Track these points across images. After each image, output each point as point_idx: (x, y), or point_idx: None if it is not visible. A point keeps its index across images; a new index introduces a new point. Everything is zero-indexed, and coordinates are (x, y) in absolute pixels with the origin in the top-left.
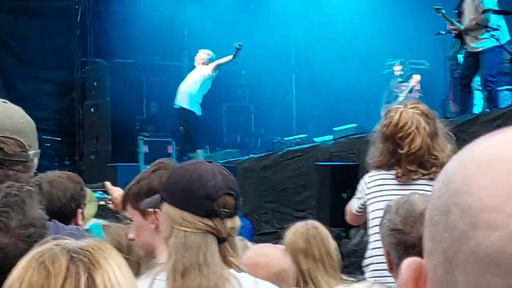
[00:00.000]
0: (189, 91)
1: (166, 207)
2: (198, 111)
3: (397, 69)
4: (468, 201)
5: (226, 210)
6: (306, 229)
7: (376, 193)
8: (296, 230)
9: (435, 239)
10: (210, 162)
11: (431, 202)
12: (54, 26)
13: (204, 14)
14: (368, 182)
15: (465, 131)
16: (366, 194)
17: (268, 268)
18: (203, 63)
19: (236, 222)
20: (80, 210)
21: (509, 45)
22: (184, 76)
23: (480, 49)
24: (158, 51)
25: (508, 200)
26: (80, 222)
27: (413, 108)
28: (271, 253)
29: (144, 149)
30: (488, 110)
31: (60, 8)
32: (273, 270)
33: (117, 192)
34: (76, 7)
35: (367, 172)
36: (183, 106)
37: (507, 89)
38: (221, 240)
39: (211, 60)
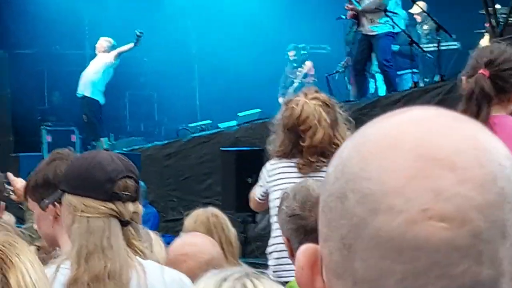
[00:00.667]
0: (91, 79)
1: (66, 197)
2: (101, 99)
3: (291, 54)
4: (368, 186)
5: (127, 193)
6: (206, 217)
7: (278, 181)
8: (197, 218)
9: (331, 225)
10: (108, 150)
11: (326, 187)
12: None
13: (105, 1)
14: (270, 170)
15: (367, 114)
16: (268, 182)
17: (197, 257)
18: (104, 51)
19: (138, 207)
20: (3, 203)
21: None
22: (86, 64)
23: (375, 33)
24: (59, 40)
25: (408, 183)
26: (1, 214)
27: (314, 99)
28: (199, 242)
29: (48, 138)
30: (388, 94)
31: None
32: (202, 259)
33: (19, 183)
34: None
35: (269, 159)
36: (86, 94)
37: (408, 72)
38: (124, 224)
39: (112, 48)
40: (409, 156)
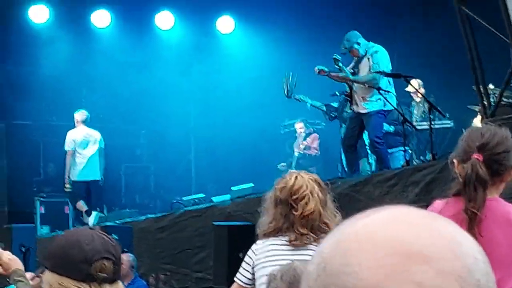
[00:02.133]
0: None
1: (46, 274)
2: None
3: (299, 126)
4: (349, 280)
5: (104, 274)
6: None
7: (267, 258)
8: None
9: None
10: (91, 228)
11: (307, 283)
12: None
13: (101, 74)
14: (256, 249)
15: (359, 191)
16: (255, 261)
17: None
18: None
19: (118, 286)
20: None
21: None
22: None
23: (367, 111)
24: (55, 112)
25: (387, 278)
26: None
27: (306, 174)
28: None
29: (41, 209)
30: (381, 171)
31: None
32: None
33: (5, 255)
34: None
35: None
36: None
37: (400, 150)
38: None
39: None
40: (386, 253)
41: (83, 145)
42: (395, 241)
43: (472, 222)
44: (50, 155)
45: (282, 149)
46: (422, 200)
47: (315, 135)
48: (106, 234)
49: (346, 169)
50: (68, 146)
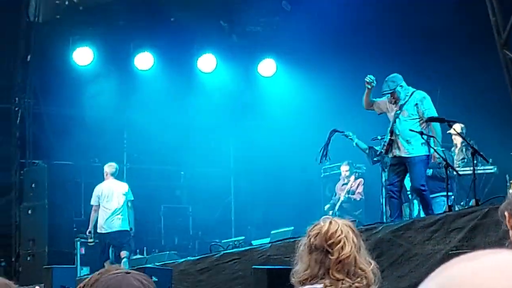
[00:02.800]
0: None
1: None
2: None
3: (344, 169)
4: None
5: None
6: None
7: None
8: None
9: None
10: (128, 272)
11: None
12: None
13: (143, 116)
14: None
15: (401, 236)
16: None
17: None
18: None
19: None
20: None
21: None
22: (124, 177)
23: (411, 155)
24: (97, 153)
25: None
26: None
27: (340, 220)
28: None
29: (81, 250)
30: (423, 217)
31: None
32: None
33: None
34: (16, 109)
35: None
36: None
37: (441, 195)
38: None
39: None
40: None
41: (109, 198)
42: None
43: None
44: (91, 196)
45: (322, 193)
46: (465, 247)
47: (360, 180)
48: (141, 279)
49: (388, 213)
50: (93, 201)
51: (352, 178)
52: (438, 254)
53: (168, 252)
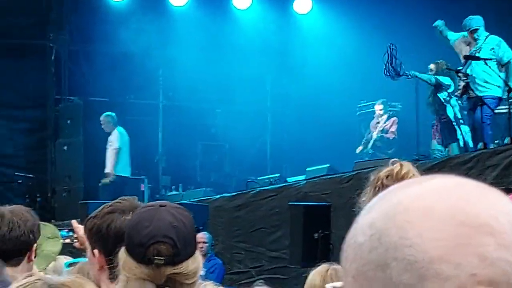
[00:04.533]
0: None
1: (122, 249)
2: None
3: (378, 108)
4: (411, 253)
5: (160, 258)
6: (326, 269)
7: None
8: (316, 270)
9: None
10: (163, 205)
11: (359, 256)
12: (29, 64)
13: (179, 53)
14: None
15: (436, 173)
16: None
17: None
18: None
19: (184, 267)
20: (35, 245)
21: None
22: (160, 114)
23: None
24: (133, 90)
25: (453, 250)
26: (33, 257)
27: (407, 163)
28: None
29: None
30: (458, 154)
31: (35, 46)
32: None
33: (82, 230)
34: (51, 45)
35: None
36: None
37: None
38: (160, 287)
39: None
40: (449, 224)
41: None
42: (458, 211)
43: None
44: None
45: (357, 130)
46: (500, 183)
47: (394, 119)
48: (175, 212)
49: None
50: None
51: (385, 117)
52: None
53: (204, 189)
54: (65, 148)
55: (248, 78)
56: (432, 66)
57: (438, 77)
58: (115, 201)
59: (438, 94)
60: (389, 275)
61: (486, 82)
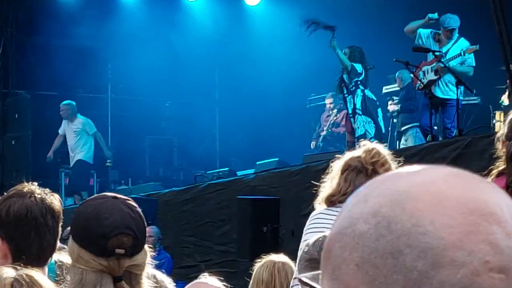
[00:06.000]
0: None
1: (70, 242)
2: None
3: (329, 101)
4: (426, 240)
5: (121, 250)
6: (273, 262)
7: (311, 225)
8: (262, 264)
9: (376, 282)
10: (115, 197)
11: (361, 244)
12: None
13: (128, 47)
14: (311, 218)
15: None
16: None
17: None
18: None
19: (139, 259)
20: None
21: None
22: (109, 108)
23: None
24: (81, 84)
25: (466, 237)
26: None
27: (377, 144)
28: (209, 282)
29: (66, 181)
30: (406, 146)
31: None
32: None
33: None
34: None
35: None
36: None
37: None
38: (117, 279)
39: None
40: (461, 212)
41: None
42: (469, 200)
43: None
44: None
45: (307, 124)
46: None
47: (344, 111)
48: (129, 204)
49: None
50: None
51: (335, 111)
52: None
53: (153, 183)
54: (13, 142)
55: (196, 71)
56: (346, 50)
57: (354, 64)
58: (16, 186)
59: (346, 80)
60: (402, 262)
61: (451, 83)
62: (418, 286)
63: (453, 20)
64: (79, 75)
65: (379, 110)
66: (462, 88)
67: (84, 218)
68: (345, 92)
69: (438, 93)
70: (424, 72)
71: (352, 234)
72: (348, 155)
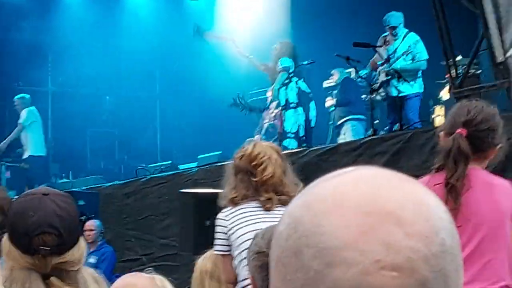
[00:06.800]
0: None
1: (4, 238)
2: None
3: (269, 94)
4: (322, 241)
5: (45, 248)
6: (215, 255)
7: (240, 220)
8: (205, 256)
9: (285, 279)
10: (46, 194)
11: (278, 244)
12: None
13: (68, 39)
14: (226, 216)
15: (326, 160)
16: (228, 226)
17: None
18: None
19: (67, 257)
20: None
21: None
22: (48, 101)
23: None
24: (21, 76)
25: (360, 237)
26: None
27: (265, 143)
28: (138, 283)
29: (6, 174)
30: (348, 140)
31: None
32: None
33: None
34: None
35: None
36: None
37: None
38: (46, 276)
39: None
40: (358, 212)
41: None
42: (367, 201)
43: (452, 194)
44: (16, 119)
45: (250, 117)
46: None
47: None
48: (58, 201)
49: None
50: None
51: (274, 103)
52: None
53: (94, 176)
54: None
55: (137, 64)
56: (276, 46)
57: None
58: None
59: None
60: (302, 261)
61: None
62: (316, 284)
63: (393, 18)
64: (19, 67)
65: (312, 103)
66: (418, 81)
67: (12, 215)
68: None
69: (394, 92)
70: (379, 72)
71: (275, 234)
72: (237, 154)
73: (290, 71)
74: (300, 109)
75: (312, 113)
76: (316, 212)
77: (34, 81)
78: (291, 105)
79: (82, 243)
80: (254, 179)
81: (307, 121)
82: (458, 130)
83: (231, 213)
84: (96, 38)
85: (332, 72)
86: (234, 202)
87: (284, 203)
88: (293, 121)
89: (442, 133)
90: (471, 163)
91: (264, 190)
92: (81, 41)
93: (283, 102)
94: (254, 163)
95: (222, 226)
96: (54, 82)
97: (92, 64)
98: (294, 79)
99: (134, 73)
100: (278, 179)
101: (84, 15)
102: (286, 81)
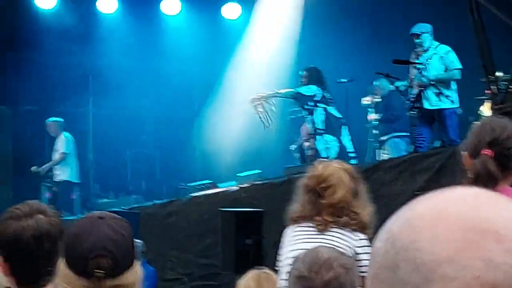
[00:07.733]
0: None
1: (60, 258)
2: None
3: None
4: (420, 256)
5: (100, 272)
6: (258, 274)
7: (292, 240)
8: (249, 275)
9: None
10: (101, 217)
11: (375, 261)
12: None
13: (108, 61)
14: (285, 234)
15: (369, 178)
16: (283, 244)
17: None
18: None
19: (121, 279)
20: None
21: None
22: (89, 122)
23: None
24: (62, 98)
25: (459, 252)
26: None
27: (337, 164)
28: None
29: (47, 195)
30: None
31: None
32: None
33: None
34: None
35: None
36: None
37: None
38: None
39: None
40: (457, 228)
41: None
42: (467, 217)
43: None
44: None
45: (289, 135)
46: (432, 187)
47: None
48: (113, 224)
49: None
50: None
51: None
52: (404, 194)
53: (135, 196)
54: None
55: (176, 84)
56: (304, 72)
57: (298, 89)
58: (14, 206)
59: (305, 106)
60: (399, 276)
61: (440, 94)
62: None
63: (417, 27)
64: (59, 89)
65: (344, 128)
66: (454, 96)
67: (67, 238)
68: (304, 113)
69: (426, 105)
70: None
71: (372, 251)
72: (309, 173)
73: (316, 98)
74: (328, 137)
75: (345, 139)
76: (415, 227)
77: (75, 102)
78: (318, 132)
79: (137, 266)
80: (322, 201)
81: (342, 147)
82: (485, 152)
83: (289, 231)
84: (135, 58)
85: (375, 83)
86: (294, 221)
87: (345, 225)
88: (323, 147)
89: (465, 154)
90: (498, 183)
91: (327, 213)
92: (120, 61)
93: (312, 130)
94: (323, 185)
95: (281, 243)
96: (95, 104)
97: (131, 85)
98: (322, 105)
99: (173, 91)
100: (345, 203)
101: (124, 36)
102: (312, 108)
